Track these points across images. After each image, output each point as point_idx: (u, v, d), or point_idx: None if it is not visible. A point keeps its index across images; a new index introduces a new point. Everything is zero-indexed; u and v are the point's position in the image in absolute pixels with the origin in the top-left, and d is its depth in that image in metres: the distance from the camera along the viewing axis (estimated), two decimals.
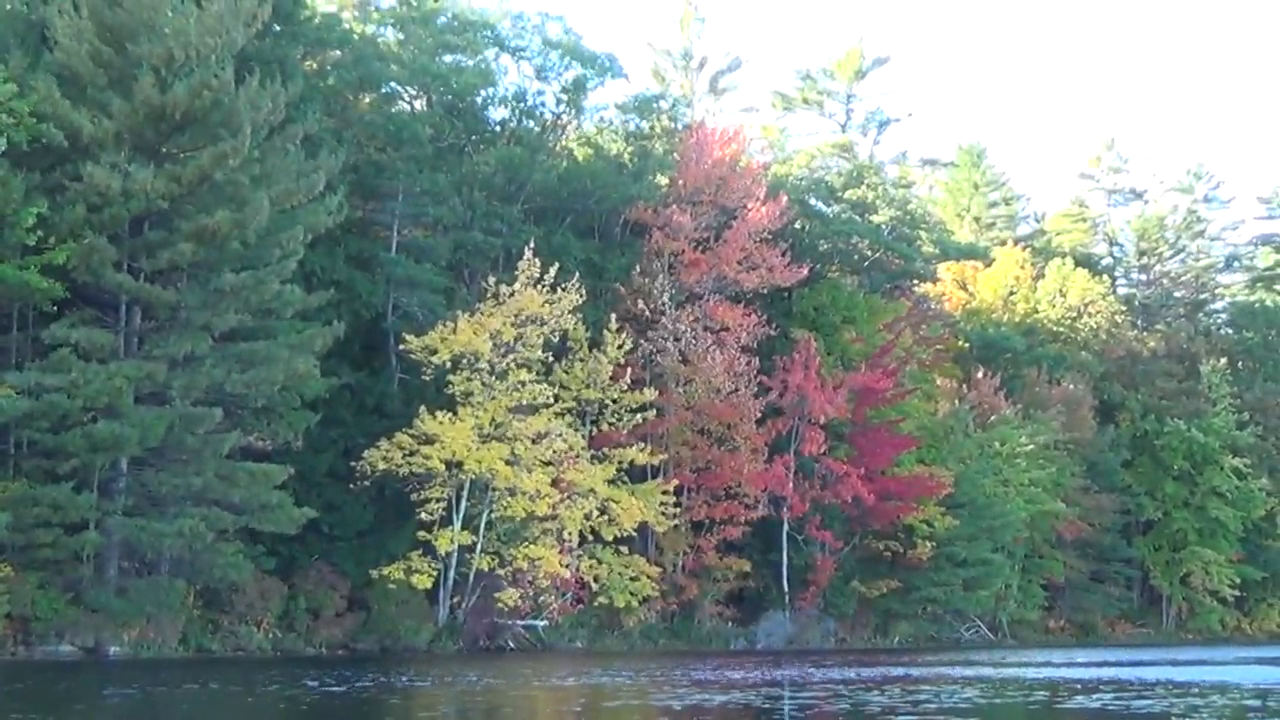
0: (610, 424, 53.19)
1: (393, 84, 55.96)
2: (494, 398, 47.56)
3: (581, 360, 52.71)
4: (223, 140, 38.33)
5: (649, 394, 53.39)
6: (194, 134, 39.25)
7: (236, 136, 38.16)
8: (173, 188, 37.74)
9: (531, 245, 49.61)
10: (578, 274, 50.30)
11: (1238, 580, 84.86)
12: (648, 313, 56.44)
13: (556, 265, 49.23)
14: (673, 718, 20.25)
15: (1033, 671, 35.79)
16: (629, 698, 24.43)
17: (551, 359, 50.16)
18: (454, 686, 27.71)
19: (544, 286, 48.79)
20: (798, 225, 65.39)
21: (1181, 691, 26.91)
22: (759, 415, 57.47)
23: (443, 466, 46.42)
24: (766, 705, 23.34)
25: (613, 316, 53.75)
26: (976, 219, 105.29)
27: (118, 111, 37.70)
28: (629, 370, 53.18)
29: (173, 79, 38.25)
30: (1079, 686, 28.86)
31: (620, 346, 52.88)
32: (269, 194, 38.68)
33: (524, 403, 48.10)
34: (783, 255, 59.05)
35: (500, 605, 46.84)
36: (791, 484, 58.44)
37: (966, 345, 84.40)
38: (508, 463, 47.19)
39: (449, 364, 47.65)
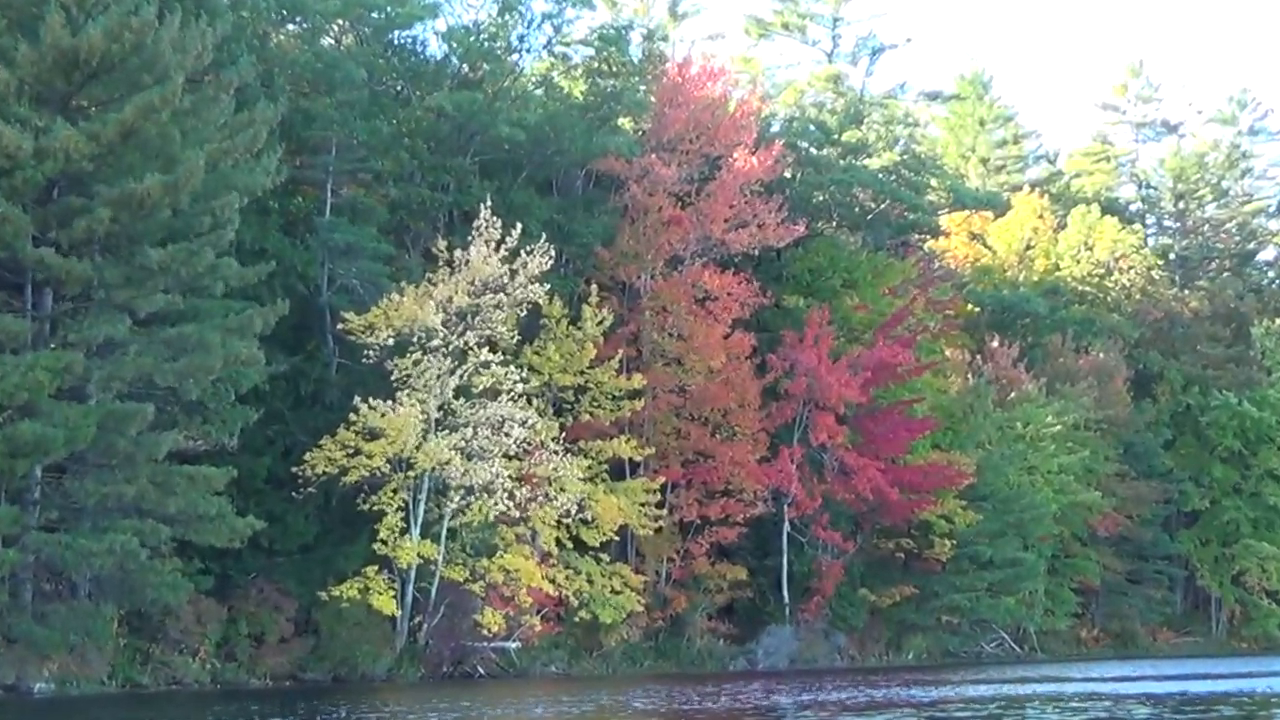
0: (589, 413, 54.80)
1: (318, 15, 56.85)
2: (446, 381, 48.62)
3: (555, 340, 54.18)
4: (147, 89, 39.38)
5: (637, 380, 55.17)
6: (111, 83, 40.21)
7: (164, 85, 39.16)
8: (92, 146, 38.74)
9: (488, 202, 50.71)
10: (544, 236, 51.46)
11: None
12: (634, 281, 58.08)
13: (519, 227, 50.27)
14: None
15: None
16: None
17: (519, 339, 51.46)
18: None
19: (506, 250, 49.82)
20: (787, 174, 66.94)
21: None
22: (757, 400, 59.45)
23: (387, 465, 47.67)
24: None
25: (594, 287, 55.29)
26: (983, 160, 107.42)
27: (22, 59, 38.53)
28: (620, 351, 54.86)
29: (85, 18, 39.13)
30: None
31: (600, 323, 54.48)
32: (203, 152, 39.81)
33: (485, 387, 49.19)
34: (777, 210, 60.72)
35: (483, 627, 48.36)
36: (798, 478, 60.37)
37: (978, 310, 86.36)
38: (463, 454, 48.40)
39: (393, 343, 48.75)
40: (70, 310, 40.44)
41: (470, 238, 50.21)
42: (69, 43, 38.55)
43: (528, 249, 50.07)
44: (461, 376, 48.87)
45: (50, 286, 40.21)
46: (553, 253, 51.24)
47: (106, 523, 39.18)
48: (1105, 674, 48.62)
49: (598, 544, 54.27)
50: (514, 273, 49.78)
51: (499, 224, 49.76)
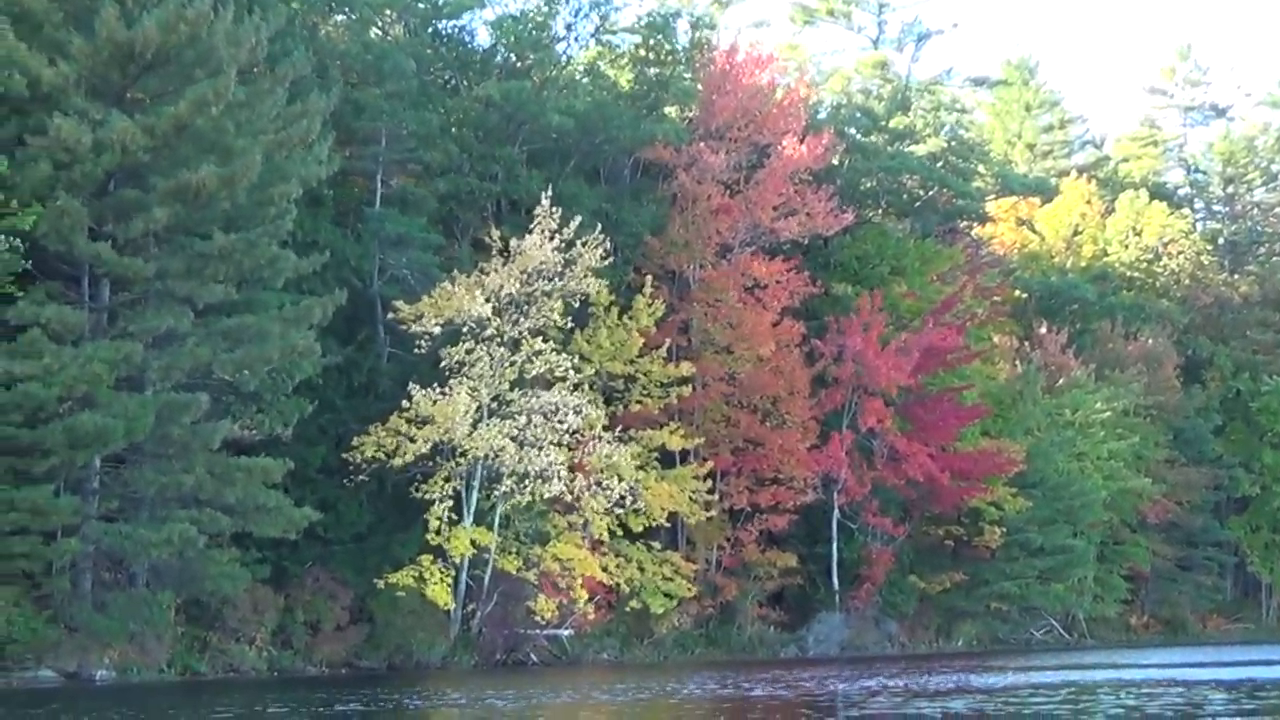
0: (639, 401, 55.19)
1: (366, 6, 57.30)
2: (500, 370, 49.02)
3: (607, 328, 54.55)
4: (201, 82, 39.84)
5: (686, 368, 55.50)
6: (166, 76, 40.65)
7: (217, 78, 39.62)
8: (147, 139, 39.16)
9: (549, 193, 50.85)
10: (599, 227, 51.74)
11: None
12: (684, 270, 58.43)
13: (577, 219, 50.54)
14: None
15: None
16: None
17: (572, 326, 51.89)
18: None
19: (561, 240, 50.13)
20: (835, 161, 67.07)
21: None
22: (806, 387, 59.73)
23: (435, 452, 47.95)
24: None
25: (648, 278, 55.72)
26: (1030, 146, 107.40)
27: (78, 52, 38.95)
28: (668, 340, 55.19)
29: (139, 11, 39.55)
30: None
31: (653, 313, 54.89)
32: (258, 144, 40.25)
33: (538, 374, 49.56)
34: (828, 198, 60.93)
35: (536, 615, 48.90)
36: (847, 464, 60.66)
37: (1026, 296, 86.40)
38: (516, 441, 48.65)
39: (441, 331, 48.99)
40: (128, 301, 40.87)
41: (530, 227, 50.29)
42: (124, 35, 38.87)
43: (582, 240, 50.32)
44: (517, 366, 49.14)
45: (108, 278, 40.69)
46: (608, 244, 51.58)
47: (165, 512, 39.85)
48: (1161, 660, 48.82)
49: (642, 530, 54.52)
50: (569, 262, 50.09)
51: (558, 213, 50.09)
